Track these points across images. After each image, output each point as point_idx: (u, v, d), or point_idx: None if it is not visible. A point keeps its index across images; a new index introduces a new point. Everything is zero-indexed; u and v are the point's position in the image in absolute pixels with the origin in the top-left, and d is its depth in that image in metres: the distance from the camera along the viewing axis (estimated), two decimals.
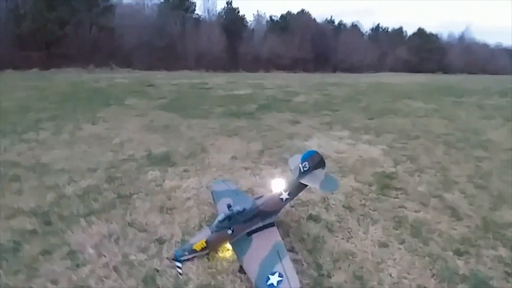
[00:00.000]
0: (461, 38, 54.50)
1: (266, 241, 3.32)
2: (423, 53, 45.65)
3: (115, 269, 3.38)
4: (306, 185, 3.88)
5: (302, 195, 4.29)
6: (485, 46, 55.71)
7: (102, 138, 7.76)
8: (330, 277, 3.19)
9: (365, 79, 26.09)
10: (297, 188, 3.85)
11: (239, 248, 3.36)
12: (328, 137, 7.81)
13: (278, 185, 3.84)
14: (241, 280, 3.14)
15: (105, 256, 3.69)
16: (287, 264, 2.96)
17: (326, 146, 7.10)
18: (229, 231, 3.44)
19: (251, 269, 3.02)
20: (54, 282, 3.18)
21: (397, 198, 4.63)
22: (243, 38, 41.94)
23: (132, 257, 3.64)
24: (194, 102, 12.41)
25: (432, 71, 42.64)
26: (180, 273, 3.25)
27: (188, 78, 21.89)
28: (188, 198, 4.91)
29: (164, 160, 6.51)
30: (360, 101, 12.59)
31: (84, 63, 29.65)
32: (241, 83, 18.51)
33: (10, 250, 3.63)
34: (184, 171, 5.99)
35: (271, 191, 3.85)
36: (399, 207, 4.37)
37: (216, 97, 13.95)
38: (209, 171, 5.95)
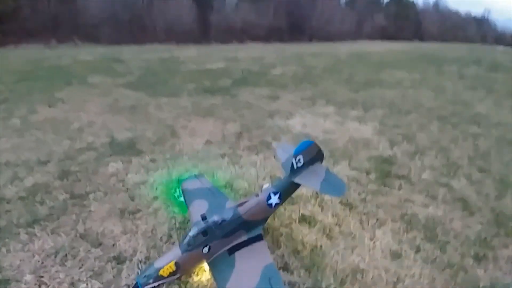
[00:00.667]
0: (436, 5, 54.38)
1: (254, 264, 2.56)
2: (400, 20, 45.03)
3: None
4: (300, 185, 3.10)
5: None
6: (457, 14, 56.07)
7: (59, 123, 6.51)
8: None
9: (343, 48, 25.13)
10: (289, 189, 3.05)
11: (219, 273, 2.58)
12: (312, 115, 7.03)
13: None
14: None
15: (46, 284, 2.85)
16: None
17: (312, 126, 6.34)
18: (205, 249, 2.65)
19: None
20: None
21: (401, 189, 4.00)
22: (214, 8, 39.18)
23: (81, 286, 2.82)
24: (163, 79, 11.07)
25: (409, 38, 42.34)
26: None
27: (158, 52, 19.93)
28: (155, 198, 4.04)
29: (129, 148, 5.51)
30: (342, 72, 11.82)
31: (45, 39, 26.36)
32: (214, 56, 17.03)
33: None
34: (151, 160, 5.04)
35: (255, 194, 3.02)
36: (405, 201, 3.75)
37: (187, 72, 12.61)
38: (180, 160, 5.04)
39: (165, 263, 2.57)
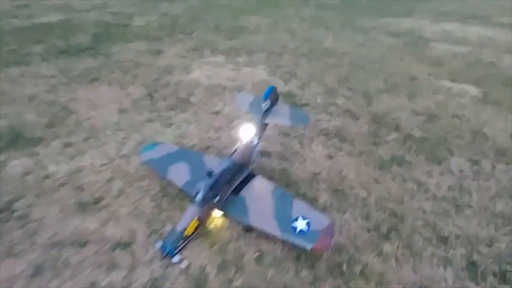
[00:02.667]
0: None
1: (262, 193, 3.14)
2: None
3: None
4: (267, 124, 3.70)
5: None
6: None
7: None
8: None
9: None
10: (262, 130, 3.61)
11: (235, 212, 3.04)
12: (208, 65, 7.26)
13: (247, 131, 3.44)
14: (258, 237, 2.95)
15: None
16: (301, 205, 2.97)
17: (215, 76, 6.66)
18: (217, 198, 2.99)
19: (269, 225, 2.85)
20: None
21: (309, 113, 5.22)
22: None
23: (103, 284, 2.68)
24: None
25: None
26: (182, 267, 2.69)
27: None
28: (110, 179, 3.73)
29: (19, 139, 4.49)
30: (205, 21, 11.84)
31: None
32: (39, 6, 13.10)
33: None
34: (66, 146, 4.32)
35: (240, 140, 3.44)
36: (316, 120, 4.99)
37: (14, 30, 9.51)
38: (102, 137, 4.52)
39: (188, 223, 2.79)
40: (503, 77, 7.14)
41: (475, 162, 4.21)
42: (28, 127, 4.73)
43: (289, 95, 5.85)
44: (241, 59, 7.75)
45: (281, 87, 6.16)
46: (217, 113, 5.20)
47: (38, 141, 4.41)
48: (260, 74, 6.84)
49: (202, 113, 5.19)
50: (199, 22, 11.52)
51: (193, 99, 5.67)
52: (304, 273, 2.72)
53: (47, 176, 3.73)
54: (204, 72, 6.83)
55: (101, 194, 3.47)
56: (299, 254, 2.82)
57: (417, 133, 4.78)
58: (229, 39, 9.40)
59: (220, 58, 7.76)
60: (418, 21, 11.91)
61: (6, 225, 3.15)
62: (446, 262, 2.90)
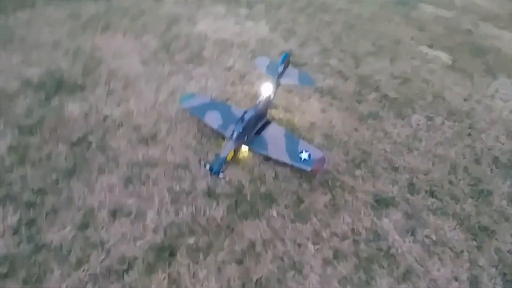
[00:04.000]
0: None
1: (277, 134, 5.03)
2: None
3: None
4: (280, 84, 5.47)
5: None
6: None
7: None
8: None
9: None
10: (277, 88, 5.38)
11: (259, 146, 4.93)
12: (212, 17, 8.59)
13: (267, 89, 5.21)
14: (274, 164, 4.92)
15: None
16: (304, 143, 4.92)
17: (221, 30, 8.09)
18: (246, 137, 4.86)
19: (282, 155, 4.80)
20: None
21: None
22: None
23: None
24: None
25: None
26: (226, 180, 4.64)
27: None
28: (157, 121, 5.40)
29: (62, 85, 5.96)
30: None
31: None
32: None
33: None
34: (110, 93, 5.86)
35: (262, 95, 5.22)
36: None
37: None
38: (137, 86, 6.08)
39: (228, 152, 4.66)
40: (474, 46, 9.13)
41: (429, 118, 6.32)
42: (66, 75, 6.14)
43: (290, 54, 7.50)
44: (242, 11, 9.07)
45: (282, 46, 7.78)
46: (229, 69, 6.81)
47: (82, 87, 5.90)
48: (262, 30, 8.32)
49: (216, 68, 6.78)
50: None
51: (205, 53, 7.18)
52: (304, 185, 4.77)
53: (106, 117, 5.36)
54: (210, 25, 8.20)
55: (154, 132, 5.21)
56: (301, 174, 4.84)
57: (392, 94, 6.76)
58: None
59: (220, 9, 9.04)
60: None
61: (88, 152, 4.86)
62: (394, 182, 5.07)
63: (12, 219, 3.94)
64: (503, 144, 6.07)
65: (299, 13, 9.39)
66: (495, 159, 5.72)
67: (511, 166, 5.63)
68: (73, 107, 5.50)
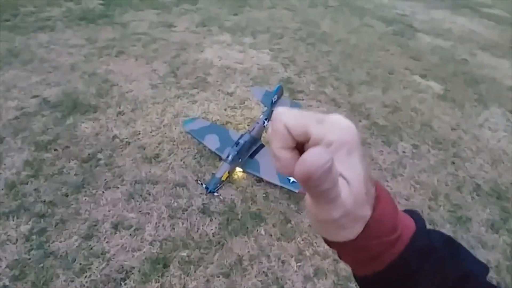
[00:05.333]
0: None
1: (268, 157, 5.38)
2: None
3: None
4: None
5: None
6: None
7: None
8: None
9: None
10: (270, 116, 5.80)
11: (252, 168, 5.31)
12: (217, 45, 9.15)
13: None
14: (265, 185, 5.26)
15: None
16: None
17: (225, 57, 8.61)
18: (240, 160, 5.24)
19: (272, 178, 5.15)
20: None
21: (303, 99, 7.38)
22: None
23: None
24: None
25: None
26: (220, 198, 5.00)
27: None
28: (160, 143, 5.85)
29: (77, 105, 6.40)
30: None
31: None
32: None
33: None
34: (120, 114, 6.32)
35: (257, 121, 5.64)
36: (307, 106, 7.19)
37: None
38: (145, 108, 6.54)
39: (223, 173, 5.05)
40: (468, 76, 9.50)
41: (415, 146, 6.63)
42: (81, 96, 6.65)
43: (288, 82, 7.96)
44: (246, 40, 9.64)
45: (282, 73, 8.25)
46: (231, 94, 7.27)
47: (95, 108, 6.39)
48: (264, 58, 8.83)
49: (219, 93, 7.24)
50: None
51: (209, 79, 7.67)
52: (292, 206, 5.09)
53: (114, 136, 5.81)
54: (215, 52, 8.74)
55: (157, 152, 5.63)
56: (290, 195, 5.16)
57: (381, 122, 7.11)
58: (234, 14, 11.11)
59: (227, 37, 9.62)
60: (412, 4, 13.91)
61: (96, 169, 5.28)
62: None
63: (24, 228, 4.32)
64: (487, 172, 6.33)
65: (300, 43, 9.93)
66: (477, 187, 5.98)
67: (493, 194, 5.87)
68: (86, 126, 5.97)
